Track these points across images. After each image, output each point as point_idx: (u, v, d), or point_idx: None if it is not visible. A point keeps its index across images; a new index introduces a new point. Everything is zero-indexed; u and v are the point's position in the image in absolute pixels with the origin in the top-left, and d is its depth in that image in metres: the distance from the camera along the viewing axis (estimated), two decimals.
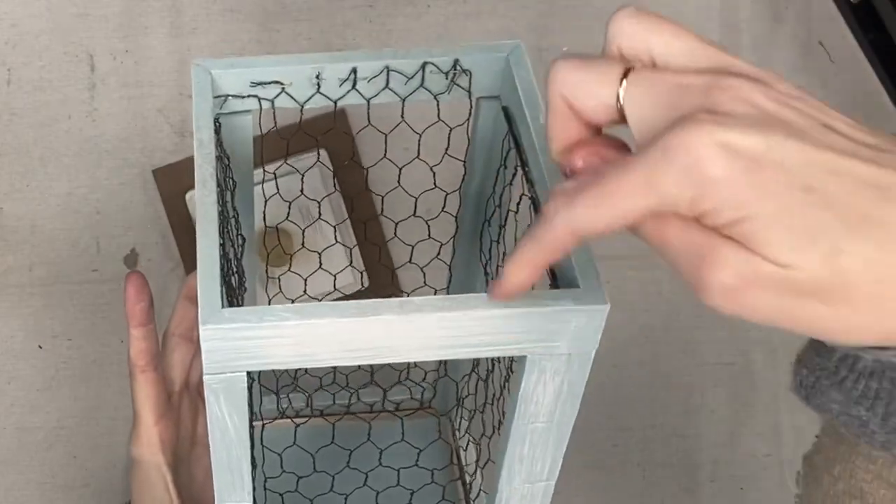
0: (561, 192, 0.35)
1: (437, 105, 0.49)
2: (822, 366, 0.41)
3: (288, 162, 0.77)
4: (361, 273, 0.75)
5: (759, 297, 0.32)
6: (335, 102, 0.48)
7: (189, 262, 0.75)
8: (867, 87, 0.79)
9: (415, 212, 0.56)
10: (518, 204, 0.48)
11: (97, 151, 0.77)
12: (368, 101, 0.48)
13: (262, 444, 0.58)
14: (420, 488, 0.61)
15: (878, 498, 0.44)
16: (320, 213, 0.76)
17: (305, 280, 0.69)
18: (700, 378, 0.75)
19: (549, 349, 0.42)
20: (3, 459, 0.73)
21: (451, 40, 0.80)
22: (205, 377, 0.42)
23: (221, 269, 0.42)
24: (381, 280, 0.76)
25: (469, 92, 0.48)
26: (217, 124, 0.47)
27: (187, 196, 0.76)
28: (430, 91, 0.48)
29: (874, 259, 0.32)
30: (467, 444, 0.68)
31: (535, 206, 0.45)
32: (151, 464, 0.57)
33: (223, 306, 0.40)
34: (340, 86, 0.48)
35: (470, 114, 0.51)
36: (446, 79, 0.47)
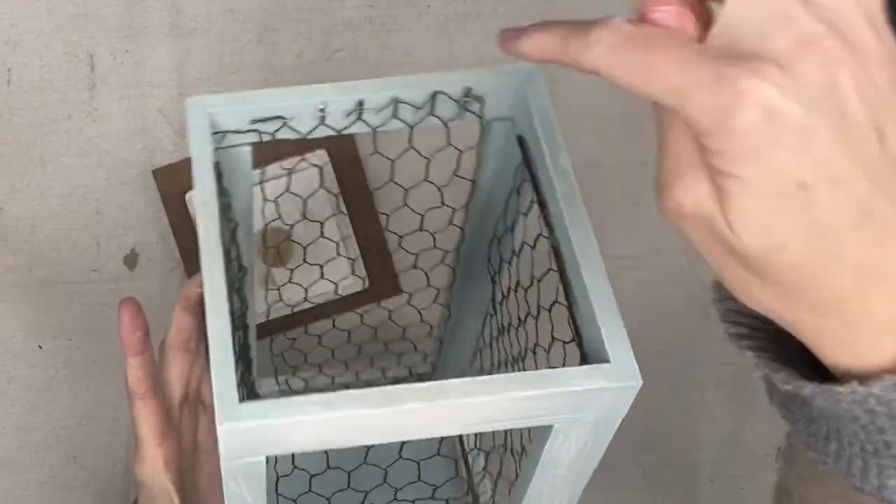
0: (615, 29, 0.34)
1: (448, 130, 0.47)
2: (785, 413, 0.42)
3: (284, 165, 0.77)
4: (364, 279, 0.75)
5: (699, 233, 0.34)
6: (340, 132, 0.46)
7: (189, 262, 0.75)
8: None
9: (421, 226, 0.56)
10: (535, 241, 0.48)
11: (97, 151, 0.77)
12: (374, 131, 0.46)
13: (276, 493, 0.58)
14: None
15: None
16: (323, 226, 0.76)
17: (306, 289, 0.69)
18: (700, 378, 0.75)
19: (576, 420, 0.42)
20: (3, 459, 0.73)
21: (451, 40, 0.80)
22: (222, 462, 0.40)
23: (236, 353, 0.40)
24: (383, 280, 0.76)
25: (480, 117, 0.47)
26: (218, 170, 0.45)
27: (187, 196, 0.76)
28: (440, 118, 0.46)
29: (807, 267, 0.33)
30: (482, 478, 0.68)
31: (556, 252, 0.44)
32: (157, 486, 0.57)
33: (241, 399, 0.38)
34: (346, 117, 0.46)
35: (481, 133, 0.50)
36: (458, 106, 0.46)
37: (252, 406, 0.38)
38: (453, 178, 0.52)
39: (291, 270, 0.73)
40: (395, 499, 0.61)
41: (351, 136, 0.76)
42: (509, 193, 0.50)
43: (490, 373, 0.59)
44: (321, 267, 0.75)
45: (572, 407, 0.41)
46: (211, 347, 0.39)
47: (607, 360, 0.40)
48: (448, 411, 0.39)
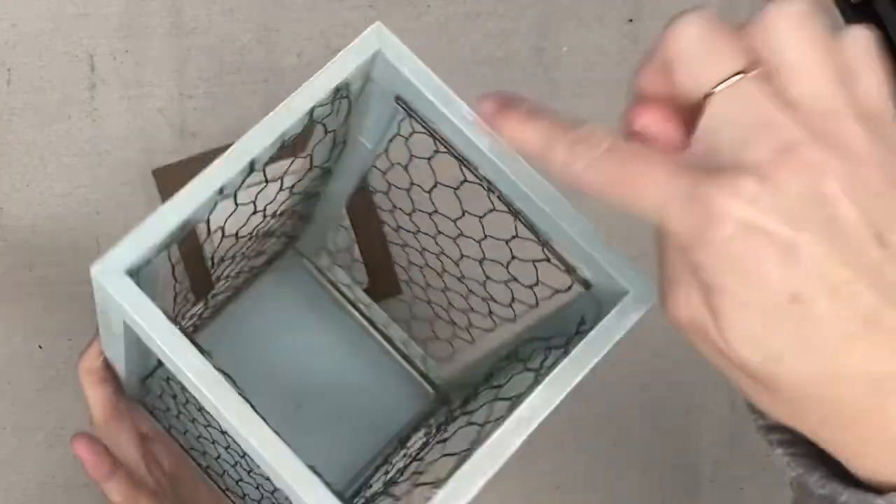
0: (595, 145, 0.33)
1: (324, 127, 0.48)
2: None
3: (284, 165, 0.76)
4: (364, 280, 0.75)
5: (700, 342, 0.34)
6: (235, 197, 0.45)
7: (189, 261, 0.75)
8: None
9: None
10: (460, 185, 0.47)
11: (97, 151, 0.77)
12: (244, 183, 0.45)
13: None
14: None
15: None
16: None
17: None
18: (700, 378, 0.75)
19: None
20: (3, 459, 0.73)
21: (451, 40, 0.80)
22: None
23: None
24: (383, 280, 0.76)
25: (350, 98, 0.46)
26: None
27: None
28: (318, 122, 0.46)
29: (812, 381, 0.32)
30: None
31: (501, 199, 0.44)
32: None
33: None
34: (242, 178, 0.44)
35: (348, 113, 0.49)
36: (331, 107, 0.45)
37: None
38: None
39: None
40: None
41: None
42: (388, 140, 0.51)
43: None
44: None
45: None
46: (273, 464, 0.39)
47: (625, 291, 0.43)
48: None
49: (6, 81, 0.78)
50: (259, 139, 0.43)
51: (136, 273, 0.42)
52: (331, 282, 0.74)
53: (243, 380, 0.42)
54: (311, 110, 0.43)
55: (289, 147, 0.45)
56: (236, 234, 0.57)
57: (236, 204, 0.45)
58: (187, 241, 0.68)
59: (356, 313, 0.74)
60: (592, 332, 0.43)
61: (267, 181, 0.50)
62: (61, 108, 0.78)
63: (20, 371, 0.74)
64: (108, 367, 0.60)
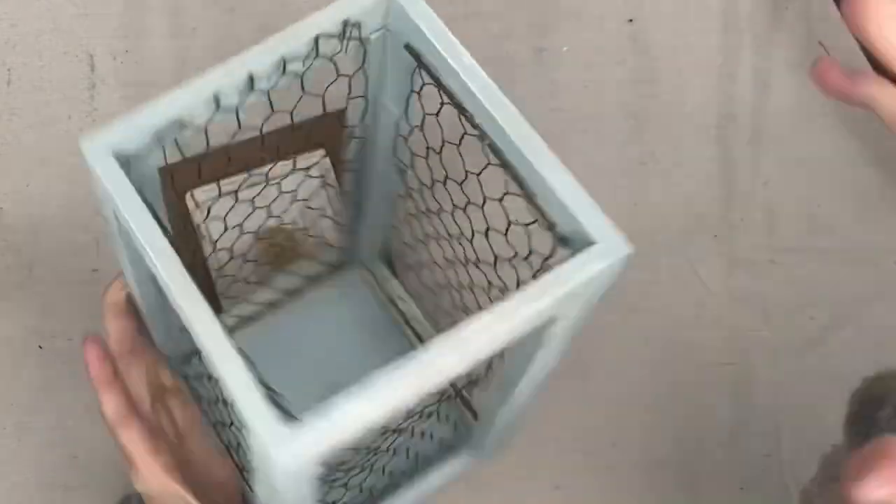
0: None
1: (335, 66, 0.47)
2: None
3: (283, 165, 0.77)
4: None
5: None
6: (237, 111, 0.45)
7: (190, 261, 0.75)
8: None
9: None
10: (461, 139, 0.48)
11: None
12: (269, 95, 0.46)
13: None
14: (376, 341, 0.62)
15: None
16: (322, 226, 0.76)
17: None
18: (700, 378, 0.75)
19: (573, 299, 0.43)
20: (3, 459, 0.73)
21: None
22: (276, 482, 0.40)
23: (257, 378, 0.39)
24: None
25: (362, 41, 0.47)
26: (141, 194, 0.44)
27: (187, 196, 0.76)
28: (326, 57, 0.46)
29: None
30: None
31: (493, 148, 0.44)
32: (167, 493, 0.58)
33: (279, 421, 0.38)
34: (239, 94, 0.45)
35: (363, 55, 0.49)
36: (339, 40, 0.45)
37: (295, 430, 0.37)
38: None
39: (291, 270, 0.73)
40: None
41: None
42: (407, 100, 0.51)
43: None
44: (322, 266, 0.75)
45: (572, 295, 0.42)
46: (230, 386, 0.38)
47: (592, 242, 0.41)
48: (469, 351, 0.40)
49: (6, 81, 0.78)
50: (259, 55, 0.43)
51: (126, 163, 0.42)
52: (389, 297, 0.71)
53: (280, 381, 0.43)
54: (316, 39, 0.44)
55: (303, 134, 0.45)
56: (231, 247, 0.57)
57: (239, 121, 0.46)
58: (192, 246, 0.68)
59: (412, 335, 0.71)
60: (549, 275, 0.41)
61: (268, 182, 0.50)
62: (61, 108, 0.78)
63: (20, 371, 0.74)
64: (130, 302, 0.60)
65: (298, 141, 0.76)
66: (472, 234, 0.55)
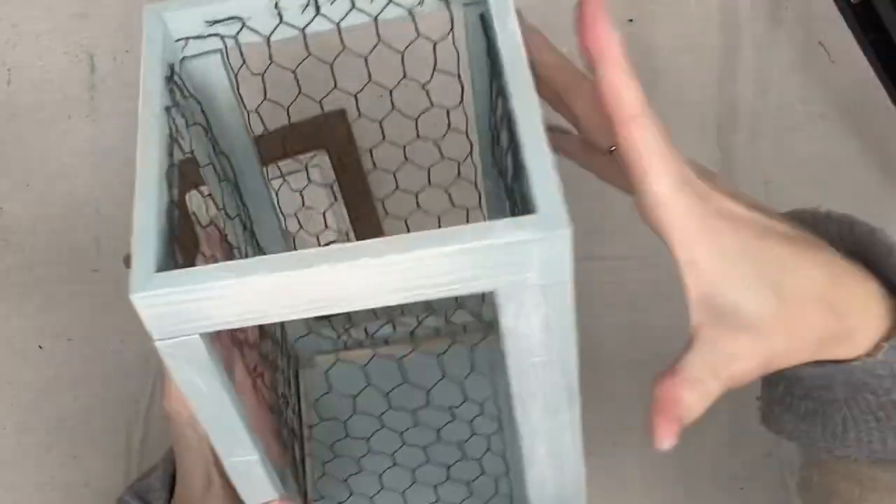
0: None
1: (414, 21, 0.46)
2: (772, 397, 0.51)
3: (281, 165, 0.77)
4: None
5: None
6: (303, 31, 0.45)
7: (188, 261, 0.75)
8: (867, 87, 0.79)
9: (417, 134, 0.53)
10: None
11: (97, 151, 0.77)
12: (339, 26, 0.45)
13: (327, 381, 0.55)
14: (473, 418, 0.58)
15: (849, 494, 0.50)
16: (325, 220, 0.76)
17: None
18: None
19: (517, 282, 0.39)
20: (3, 459, 0.73)
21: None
22: (156, 343, 0.40)
23: (165, 230, 0.39)
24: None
25: (447, 1, 0.45)
26: (171, 70, 0.44)
27: (187, 196, 0.76)
28: (401, 5, 0.45)
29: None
30: None
31: (510, 122, 0.42)
32: (183, 418, 0.55)
33: (158, 269, 0.38)
34: (303, 12, 0.45)
35: (452, 24, 0.48)
36: None
37: (165, 275, 0.37)
38: (435, 75, 0.50)
39: None
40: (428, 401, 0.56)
41: (352, 138, 0.76)
42: (491, 81, 0.48)
43: None
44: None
45: (505, 266, 0.38)
46: (134, 216, 0.39)
47: (534, 212, 0.38)
48: (366, 275, 0.37)
49: (6, 81, 0.78)
50: None
51: (183, 46, 0.44)
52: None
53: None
54: None
55: None
56: None
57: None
58: None
59: None
60: (470, 226, 0.38)
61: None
62: (61, 108, 0.78)
63: (20, 371, 0.74)
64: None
65: (299, 141, 0.76)
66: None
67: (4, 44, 0.78)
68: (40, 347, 0.75)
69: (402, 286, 0.38)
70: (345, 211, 0.76)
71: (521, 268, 0.38)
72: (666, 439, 0.44)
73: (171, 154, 0.42)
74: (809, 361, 0.45)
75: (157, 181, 0.40)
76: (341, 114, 0.76)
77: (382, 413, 0.56)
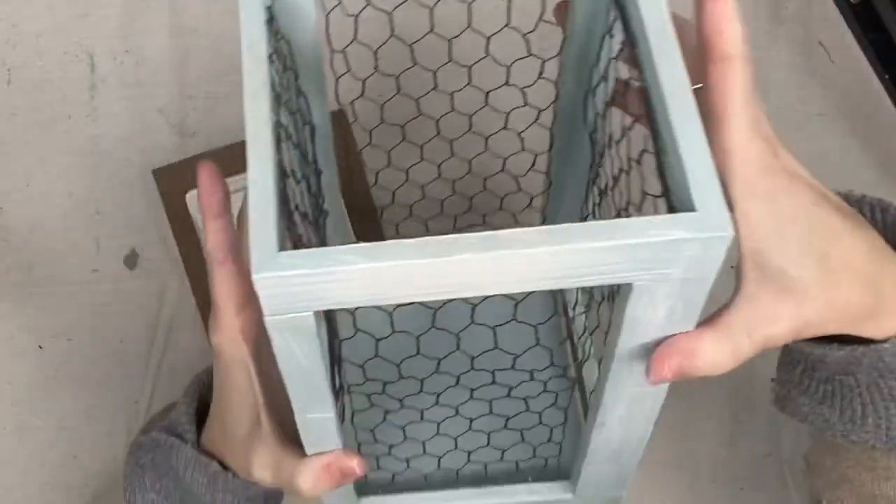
0: None
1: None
2: (789, 379, 0.51)
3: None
4: None
5: None
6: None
7: (190, 262, 0.75)
8: (867, 87, 0.79)
9: (507, 81, 0.53)
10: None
11: (97, 151, 0.77)
12: None
13: (339, 355, 0.54)
14: (524, 351, 0.55)
15: (861, 480, 0.51)
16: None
17: None
18: (700, 378, 0.75)
19: (659, 278, 0.38)
20: (3, 459, 0.73)
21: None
22: (266, 318, 0.38)
23: (280, 203, 0.37)
24: None
25: None
26: (269, 13, 0.42)
27: (187, 196, 0.76)
28: None
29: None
30: (575, 303, 0.64)
31: (645, 95, 0.40)
32: (234, 357, 0.53)
33: (280, 248, 0.36)
34: None
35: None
36: None
37: (290, 255, 0.35)
38: (540, 24, 0.49)
39: None
40: (473, 368, 0.54)
41: (352, 138, 0.76)
42: (602, 37, 0.46)
43: None
44: None
45: (652, 262, 0.36)
46: (250, 189, 0.37)
47: (693, 209, 0.36)
48: (507, 264, 0.36)
49: (6, 81, 0.78)
50: None
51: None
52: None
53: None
54: None
55: None
56: None
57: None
58: None
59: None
60: (626, 220, 0.36)
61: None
62: (61, 108, 0.78)
63: (20, 371, 0.74)
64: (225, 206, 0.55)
65: None
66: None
67: (4, 44, 0.78)
68: (40, 347, 0.75)
69: (539, 276, 0.37)
70: (345, 212, 0.76)
71: (668, 264, 0.37)
72: (657, 378, 0.43)
73: (277, 109, 0.40)
74: (835, 344, 0.46)
75: (271, 143, 0.38)
76: (341, 114, 0.76)
77: (443, 357, 0.54)
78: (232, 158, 0.76)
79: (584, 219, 0.57)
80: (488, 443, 0.59)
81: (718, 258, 0.37)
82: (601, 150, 0.48)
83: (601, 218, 0.50)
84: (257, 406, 0.53)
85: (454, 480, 0.61)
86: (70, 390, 0.74)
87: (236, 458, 0.54)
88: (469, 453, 0.60)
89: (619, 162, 0.45)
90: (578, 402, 0.65)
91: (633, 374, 0.44)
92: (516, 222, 0.65)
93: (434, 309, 0.50)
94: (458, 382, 0.55)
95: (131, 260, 0.75)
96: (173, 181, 0.76)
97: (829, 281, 0.43)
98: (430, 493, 0.61)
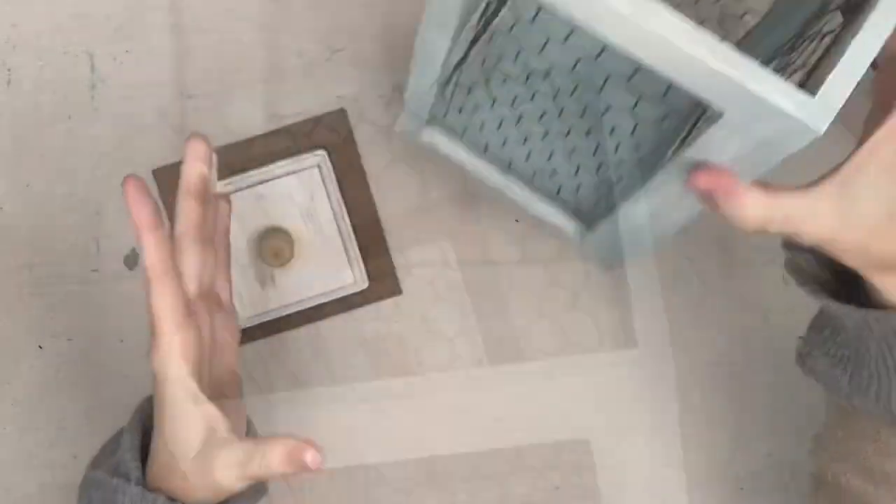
0: None
1: None
2: (815, 340, 0.55)
3: (281, 165, 0.77)
4: (364, 279, 0.75)
5: None
6: None
7: None
8: (867, 87, 0.79)
9: None
10: None
11: (97, 151, 0.77)
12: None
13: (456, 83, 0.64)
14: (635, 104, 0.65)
15: (865, 453, 0.54)
16: (322, 225, 0.76)
17: (305, 288, 0.68)
18: (700, 378, 0.75)
19: (746, 125, 0.41)
20: (3, 459, 0.73)
21: None
22: None
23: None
24: (382, 280, 0.76)
25: None
26: None
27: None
28: None
29: None
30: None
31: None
32: (175, 379, 0.52)
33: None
34: None
35: None
36: None
37: None
38: None
39: (291, 270, 0.73)
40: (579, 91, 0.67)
41: (352, 138, 0.76)
42: None
43: None
44: (321, 266, 0.75)
45: (751, 109, 0.39)
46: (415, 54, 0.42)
47: (812, 95, 0.39)
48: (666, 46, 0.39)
49: (6, 81, 0.78)
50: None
51: None
52: None
53: None
54: None
55: None
56: None
57: None
58: None
59: None
60: (749, 63, 0.39)
61: None
62: (61, 108, 0.78)
63: (20, 371, 0.74)
64: (205, 188, 0.56)
65: (298, 141, 0.76)
66: None
67: (4, 44, 0.78)
68: (40, 347, 0.75)
69: (678, 66, 0.39)
70: (346, 212, 0.76)
71: (759, 119, 0.40)
72: (691, 183, 0.47)
73: None
74: (853, 305, 0.49)
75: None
76: (341, 114, 0.76)
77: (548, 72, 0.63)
78: (232, 158, 0.77)
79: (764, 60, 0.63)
80: (550, 157, 0.67)
81: (797, 143, 0.40)
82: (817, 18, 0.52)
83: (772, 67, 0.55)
84: (208, 418, 0.52)
85: (505, 167, 0.69)
86: (70, 390, 0.74)
87: (191, 479, 0.52)
88: (530, 153, 0.68)
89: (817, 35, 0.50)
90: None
91: (680, 179, 0.48)
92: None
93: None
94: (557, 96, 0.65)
95: (131, 260, 0.76)
96: (173, 181, 0.76)
97: (888, 225, 0.48)
98: (480, 160, 0.68)
